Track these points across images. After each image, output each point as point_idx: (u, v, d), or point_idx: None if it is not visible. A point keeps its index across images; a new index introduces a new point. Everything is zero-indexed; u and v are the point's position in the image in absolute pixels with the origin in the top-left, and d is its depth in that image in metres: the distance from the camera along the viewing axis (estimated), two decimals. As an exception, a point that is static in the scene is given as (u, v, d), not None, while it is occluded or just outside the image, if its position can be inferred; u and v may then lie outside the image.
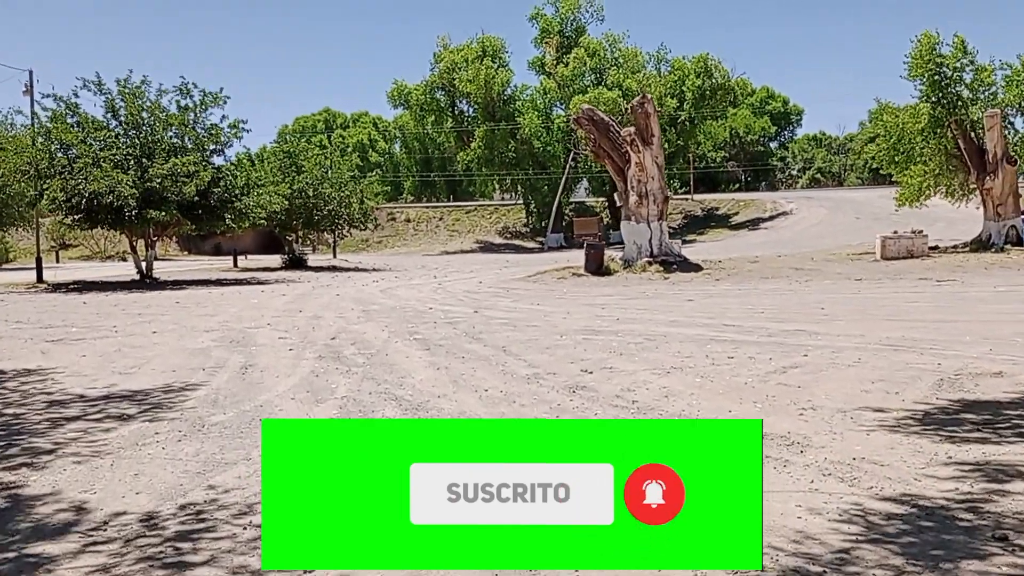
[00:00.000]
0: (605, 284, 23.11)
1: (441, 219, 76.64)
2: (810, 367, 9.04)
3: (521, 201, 75.56)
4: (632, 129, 25.75)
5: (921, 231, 26.97)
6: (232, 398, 8.15)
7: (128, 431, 6.81)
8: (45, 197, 27.52)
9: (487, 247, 66.92)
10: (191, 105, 29.65)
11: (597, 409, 7.25)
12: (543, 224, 67.77)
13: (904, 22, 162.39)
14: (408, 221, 75.84)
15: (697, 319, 14.15)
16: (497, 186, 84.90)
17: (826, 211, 64.88)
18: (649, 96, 25.96)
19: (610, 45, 65.20)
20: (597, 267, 25.23)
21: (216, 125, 30.08)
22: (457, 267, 38.00)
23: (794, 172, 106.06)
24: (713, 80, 64.05)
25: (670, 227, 72.06)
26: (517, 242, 69.06)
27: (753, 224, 64.47)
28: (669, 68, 65.52)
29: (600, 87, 61.02)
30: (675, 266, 25.03)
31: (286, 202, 32.80)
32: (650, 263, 25.19)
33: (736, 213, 69.51)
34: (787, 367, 9.07)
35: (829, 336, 11.53)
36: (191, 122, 29.78)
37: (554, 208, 64.32)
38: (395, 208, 78.97)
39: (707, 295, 19.02)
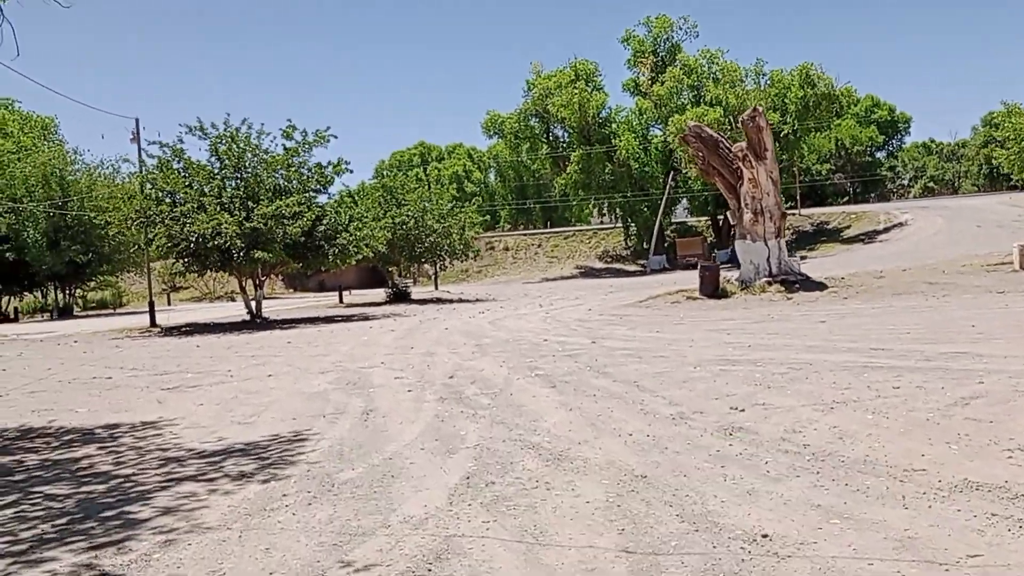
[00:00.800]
0: (724, 307, 22.01)
1: (539, 246, 76.31)
2: (994, 397, 7.94)
3: (620, 224, 74.62)
4: (744, 144, 24.69)
5: (1067, 237, 24.91)
6: (358, 449, 7.59)
7: (254, 493, 6.29)
8: (153, 243, 28.13)
9: (587, 272, 66.15)
10: (294, 146, 29.98)
11: (765, 456, 6.38)
12: (644, 246, 66.63)
13: (1012, 24, 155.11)
14: (506, 249, 75.77)
15: (838, 343, 13.04)
16: (595, 210, 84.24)
17: (944, 220, 61.74)
18: (761, 109, 24.87)
19: (707, 61, 63.83)
20: (713, 289, 24.15)
21: (320, 164, 30.34)
22: (561, 294, 37.37)
23: (905, 182, 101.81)
24: (816, 90, 61.83)
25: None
26: (618, 266, 68.10)
27: (867, 237, 61.80)
28: (768, 81, 63.61)
29: (699, 105, 59.74)
30: (797, 285, 23.74)
31: (389, 235, 32.81)
32: (770, 283, 23.97)
33: (848, 227, 66.86)
34: (967, 398, 7.99)
35: (996, 359, 10.32)
36: (296, 163, 30.11)
37: (655, 230, 63.16)
38: (493, 237, 79.08)
39: (839, 316, 17.76)
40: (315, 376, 13.44)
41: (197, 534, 5.36)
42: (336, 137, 30.37)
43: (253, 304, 31.40)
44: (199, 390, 12.67)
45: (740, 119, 25.54)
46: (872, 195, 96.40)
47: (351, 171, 30.50)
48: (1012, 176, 27.53)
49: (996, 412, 7.30)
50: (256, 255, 26.82)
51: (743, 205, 24.97)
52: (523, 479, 6.17)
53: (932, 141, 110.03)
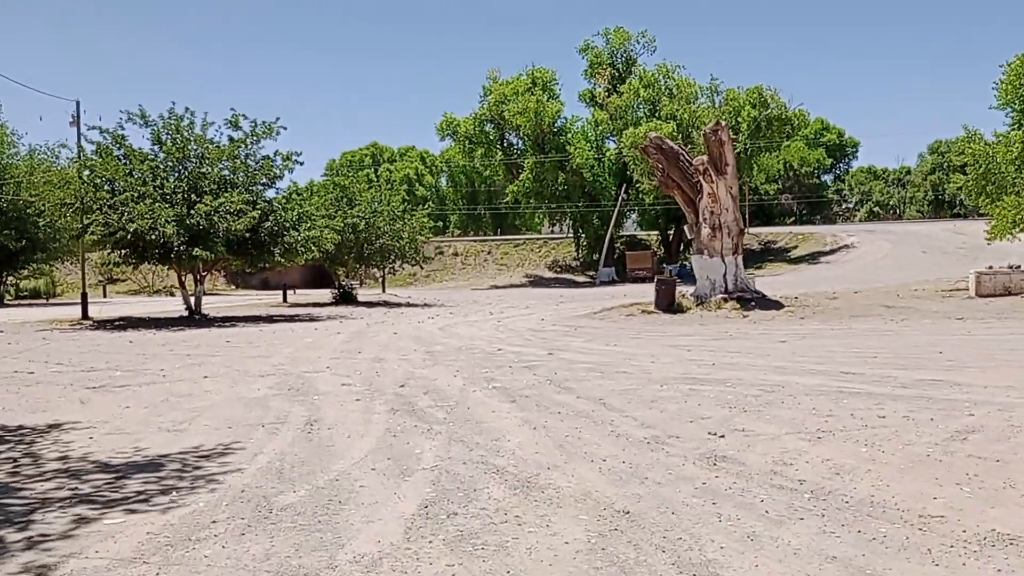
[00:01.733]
0: (680, 322, 21.55)
1: (489, 253, 75.62)
2: (991, 433, 7.43)
3: (571, 234, 74.30)
4: (704, 158, 24.31)
5: (1019, 266, 24.99)
6: (301, 467, 6.79)
7: (179, 517, 5.46)
8: (89, 231, 26.75)
9: (536, 281, 65.62)
10: (242, 137, 28.82)
11: (758, 492, 5.75)
12: (594, 258, 66.35)
13: (960, 55, 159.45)
14: (456, 255, 74.94)
15: (805, 365, 12.56)
16: (545, 219, 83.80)
17: (890, 244, 62.63)
18: (723, 123, 24.51)
19: (663, 76, 63.87)
20: (669, 304, 23.69)
21: (268, 157, 29.23)
22: (511, 302, 36.68)
23: (851, 205, 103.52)
24: (769, 111, 62.33)
25: (724, 261, 70.80)
26: (567, 276, 67.70)
27: (813, 258, 62.35)
28: (723, 99, 63.88)
29: (654, 119, 59.72)
30: (753, 303, 23.39)
31: (338, 236, 31.80)
32: (725, 299, 23.59)
33: (795, 247, 67.45)
34: (962, 432, 7.48)
35: (976, 388, 9.90)
36: (242, 155, 28.94)
37: (606, 242, 62.88)
38: (442, 242, 78.17)
39: (799, 336, 17.37)
40: (255, 380, 12.54)
41: (107, 565, 4.52)
42: (285, 129, 29.31)
43: (192, 300, 30.13)
44: (127, 390, 11.68)
45: (703, 132, 25.17)
46: (818, 217, 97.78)
47: (301, 163, 29.35)
48: (966, 202, 27.64)
49: (1000, 451, 6.78)
50: (196, 252, 25.62)
51: (701, 220, 24.57)
52: (489, 510, 5.45)
53: (874, 167, 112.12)
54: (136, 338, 21.44)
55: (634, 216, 76.07)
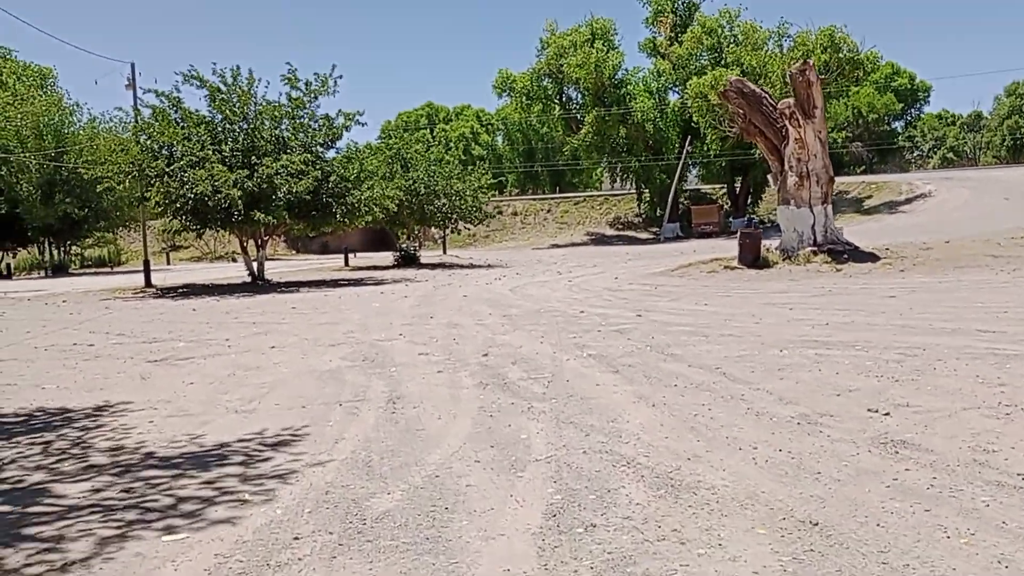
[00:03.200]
0: (768, 278, 20.12)
1: (549, 211, 74.23)
2: None
3: (633, 190, 72.43)
4: (791, 100, 22.60)
5: None
6: (391, 459, 5.75)
7: (253, 530, 4.45)
8: (150, 199, 26.16)
9: (599, 239, 64.18)
10: (298, 96, 27.85)
11: (974, 491, 4.53)
12: (657, 214, 64.49)
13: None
14: (515, 214, 73.71)
15: (933, 323, 11.16)
16: (607, 175, 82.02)
17: (969, 192, 59.60)
18: (811, 62, 22.68)
19: (727, 22, 61.21)
20: (754, 258, 22.23)
21: (328, 116, 28.27)
22: (576, 261, 35.44)
23: (923, 152, 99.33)
24: (841, 55, 59.30)
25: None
26: (630, 233, 66.09)
27: (889, 208, 59.62)
28: (792, 43, 60.94)
29: (719, 67, 57.30)
30: (845, 256, 21.79)
31: (401, 195, 30.83)
32: (815, 252, 22.04)
33: (868, 196, 64.66)
34: None
35: None
36: (302, 114, 27.99)
37: (670, 197, 60.93)
38: (501, 201, 76.84)
39: (908, 290, 15.86)
40: (326, 350, 11.60)
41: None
42: (342, 78, 28.13)
43: (255, 265, 29.53)
44: (191, 363, 10.82)
45: (788, 72, 23.41)
46: (890, 165, 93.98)
47: (364, 124, 28.35)
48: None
49: None
50: (257, 216, 24.85)
51: (787, 168, 22.95)
52: (635, 520, 4.33)
53: (946, 112, 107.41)
54: (200, 306, 20.78)
55: (695, 170, 73.70)
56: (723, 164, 62.70)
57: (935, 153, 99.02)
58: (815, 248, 22.28)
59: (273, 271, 35.79)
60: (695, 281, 20.81)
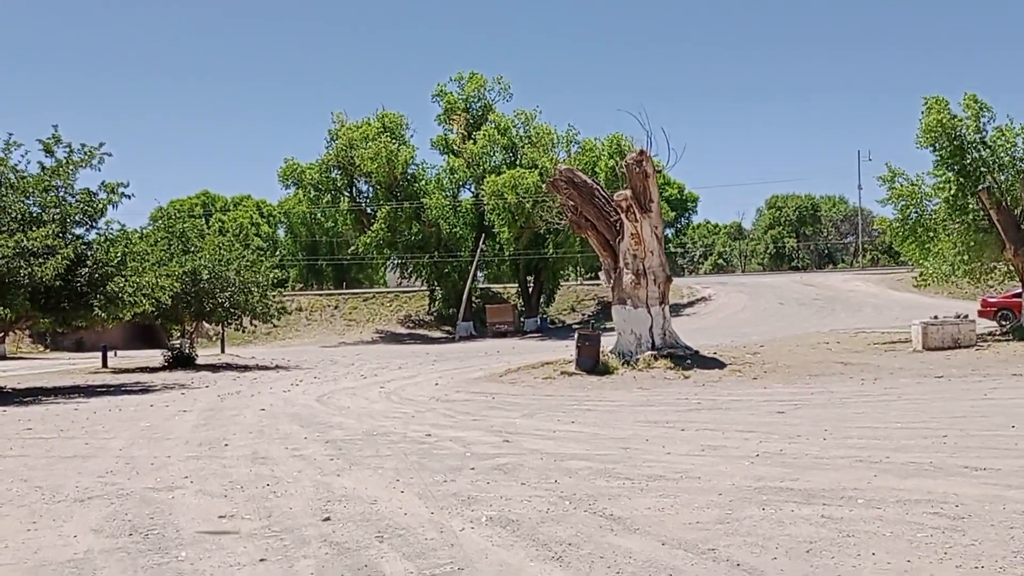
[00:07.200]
0: (614, 386, 17.83)
1: (336, 307, 70.19)
2: None
3: (423, 287, 70.00)
4: (628, 193, 20.94)
5: (966, 316, 22.92)
6: None
7: None
8: None
9: (389, 337, 60.98)
10: (55, 165, 23.08)
11: None
12: (450, 312, 62.29)
13: (804, 107, 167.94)
14: (300, 310, 68.85)
15: (880, 451, 8.98)
16: (397, 272, 79.25)
17: (746, 296, 62.14)
18: (647, 151, 21.23)
19: (522, 123, 61.32)
20: (594, 363, 19.95)
21: (88, 190, 23.53)
22: (376, 362, 32.03)
23: (694, 258, 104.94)
24: (620, 164, 60.72)
25: (583, 313, 68.51)
26: (422, 332, 63.40)
27: (674, 310, 60.32)
28: (579, 148, 61.80)
29: (515, 167, 56.83)
30: (689, 361, 20.02)
31: (178, 285, 26.22)
32: (655, 357, 20.14)
33: (656, 299, 65.79)
34: None
35: None
36: (57, 187, 23.09)
37: (465, 295, 58.96)
38: (285, 296, 71.89)
39: (791, 404, 13.94)
40: (69, 512, 7.63)
41: None
42: (111, 155, 23.66)
43: (-18, 368, 23.78)
44: None
45: (625, 162, 21.84)
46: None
47: (130, 196, 23.74)
48: (895, 247, 25.54)
49: None
50: (-12, 306, 19.73)
51: (623, 264, 21.14)
52: None
53: (708, 223, 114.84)
54: None
55: (483, 271, 72.58)
56: (518, 264, 61.85)
57: (705, 260, 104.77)
58: (655, 352, 20.41)
59: (12, 373, 29.61)
60: (533, 389, 18.15)
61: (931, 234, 23.47)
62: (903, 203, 23.90)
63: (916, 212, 23.83)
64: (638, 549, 5.70)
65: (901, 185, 23.80)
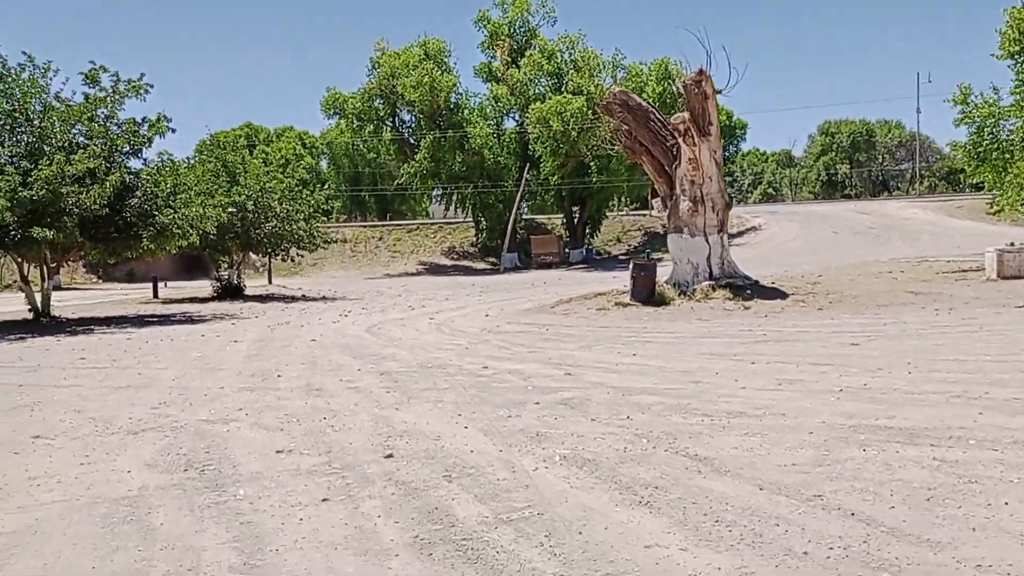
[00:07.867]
0: (672, 317, 17.23)
1: (380, 239, 70.02)
2: None
3: (468, 218, 69.38)
4: (685, 115, 20.01)
5: (1035, 243, 21.76)
6: None
7: None
8: None
9: (433, 268, 60.77)
10: (100, 94, 22.69)
11: None
12: (494, 243, 61.69)
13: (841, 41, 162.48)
14: (344, 242, 68.82)
15: (980, 386, 8.34)
16: (443, 203, 78.69)
17: (798, 226, 60.67)
18: (707, 71, 20.14)
19: (567, 47, 59.55)
20: (649, 295, 19.33)
21: (134, 120, 23.19)
22: (422, 293, 31.69)
23: (743, 187, 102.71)
24: (676, 86, 58.89)
25: (629, 244, 67.48)
26: (466, 263, 63.10)
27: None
28: (625, 74, 59.97)
29: (560, 93, 55.35)
30: (749, 291, 19.30)
31: (224, 216, 25.98)
32: (713, 287, 19.42)
33: (703, 229, 64.55)
34: None
35: None
36: (101, 116, 22.75)
37: (509, 226, 58.27)
38: (329, 228, 71.92)
39: (864, 336, 13.25)
40: (123, 441, 7.35)
41: None
42: (152, 87, 23.22)
43: (38, 298, 23.88)
44: None
45: (682, 83, 20.84)
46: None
47: (173, 130, 23.37)
48: (967, 172, 24.18)
49: None
50: (37, 233, 19.60)
51: (679, 191, 20.32)
52: None
53: (756, 150, 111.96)
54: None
55: (527, 200, 71.64)
56: (563, 194, 60.84)
57: (754, 189, 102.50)
58: (712, 282, 19.69)
59: (66, 304, 29.85)
60: (587, 320, 17.62)
61: (1008, 156, 22.18)
62: (978, 123, 22.57)
63: (991, 133, 22.50)
64: (733, 494, 5.19)
65: (976, 104, 22.43)
